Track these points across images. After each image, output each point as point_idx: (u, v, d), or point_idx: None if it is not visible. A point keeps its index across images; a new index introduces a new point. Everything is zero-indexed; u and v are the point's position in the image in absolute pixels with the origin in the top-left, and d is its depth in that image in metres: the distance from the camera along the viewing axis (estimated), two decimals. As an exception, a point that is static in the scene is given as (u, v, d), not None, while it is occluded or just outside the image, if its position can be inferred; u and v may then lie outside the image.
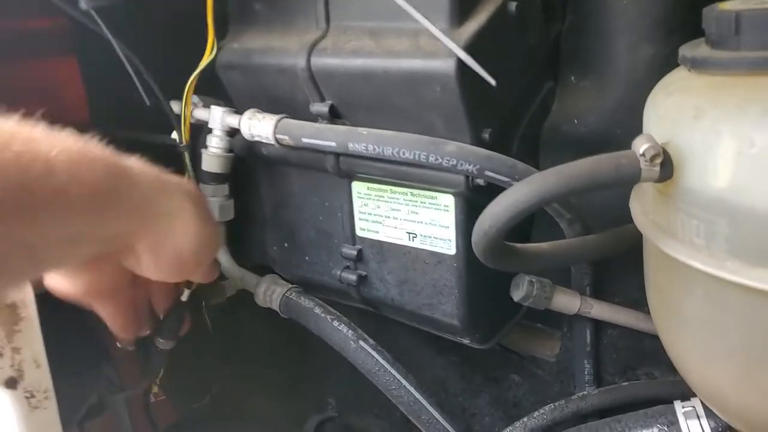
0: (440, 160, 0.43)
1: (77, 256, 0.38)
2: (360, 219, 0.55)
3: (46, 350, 0.46)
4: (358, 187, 0.54)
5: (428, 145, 0.44)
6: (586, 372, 0.58)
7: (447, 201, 0.49)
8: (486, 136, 0.45)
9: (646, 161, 0.32)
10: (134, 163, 0.39)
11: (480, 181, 0.45)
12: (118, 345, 0.62)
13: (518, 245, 0.43)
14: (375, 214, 0.54)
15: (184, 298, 0.56)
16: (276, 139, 0.51)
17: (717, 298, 0.33)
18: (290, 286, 0.64)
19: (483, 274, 0.52)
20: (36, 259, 0.33)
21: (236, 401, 0.90)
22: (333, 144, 0.48)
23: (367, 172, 0.52)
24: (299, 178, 0.59)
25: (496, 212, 0.38)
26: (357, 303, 0.61)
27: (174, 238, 0.42)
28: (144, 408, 0.84)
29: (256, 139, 0.53)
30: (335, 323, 0.58)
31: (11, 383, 0.43)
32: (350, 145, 0.47)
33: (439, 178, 0.47)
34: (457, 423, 0.56)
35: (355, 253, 0.56)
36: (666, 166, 0.33)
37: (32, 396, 0.43)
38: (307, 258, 0.62)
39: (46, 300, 0.45)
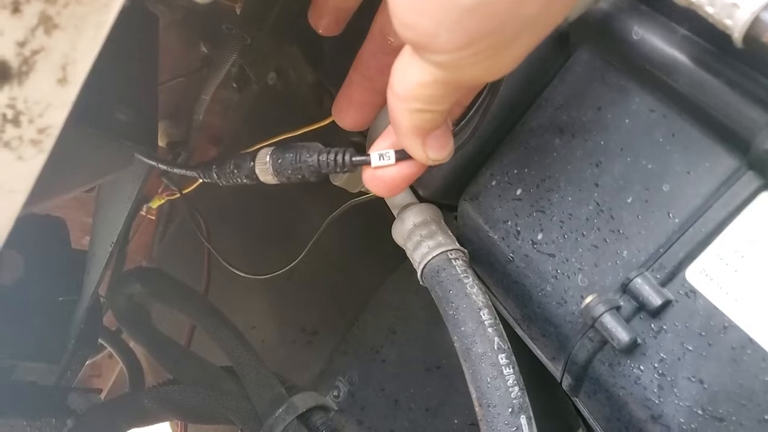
0: None
1: None
2: (716, 255, 0.26)
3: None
4: None
5: None
6: None
7: None
8: None
9: None
10: None
11: None
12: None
13: None
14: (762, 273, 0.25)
15: None
16: None
17: None
18: (456, 246, 0.38)
19: None
20: None
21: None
22: None
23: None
24: (645, 114, 0.30)
25: None
26: (558, 375, 0.33)
27: None
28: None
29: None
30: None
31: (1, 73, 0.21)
32: None
33: None
34: None
35: (656, 302, 0.27)
36: None
37: (16, 121, 0.22)
38: (540, 236, 0.34)
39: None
